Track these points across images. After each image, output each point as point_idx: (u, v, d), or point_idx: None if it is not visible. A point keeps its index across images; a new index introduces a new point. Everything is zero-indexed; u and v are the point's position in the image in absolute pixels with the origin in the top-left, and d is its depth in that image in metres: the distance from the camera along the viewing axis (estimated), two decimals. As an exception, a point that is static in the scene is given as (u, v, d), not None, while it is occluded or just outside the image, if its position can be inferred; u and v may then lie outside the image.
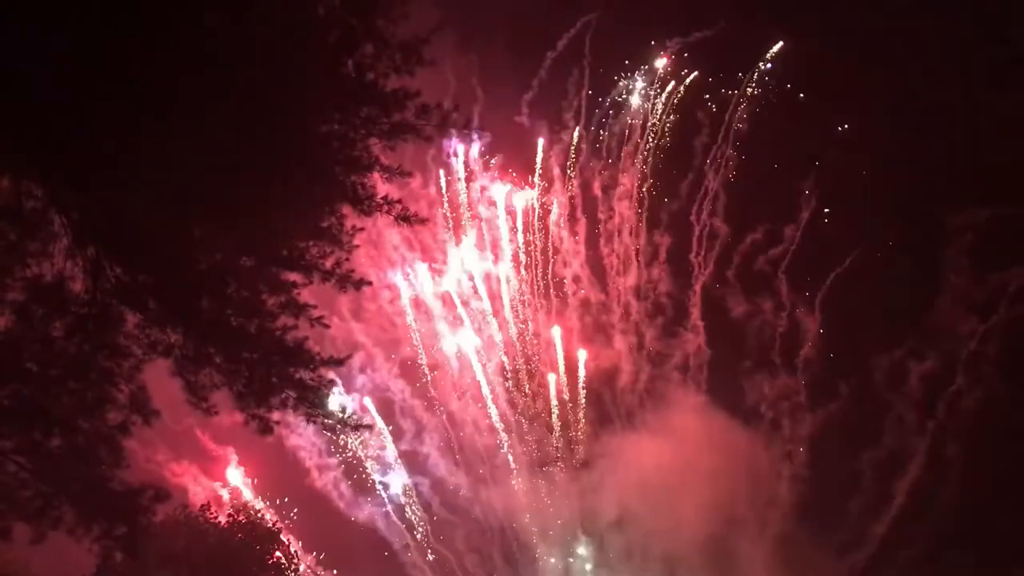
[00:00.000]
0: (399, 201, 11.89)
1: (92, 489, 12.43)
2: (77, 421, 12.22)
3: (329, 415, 12.24)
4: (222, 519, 30.29)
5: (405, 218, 12.08)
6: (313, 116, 11.58)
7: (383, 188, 12.09)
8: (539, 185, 47.81)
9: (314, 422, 12.31)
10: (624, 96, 47.75)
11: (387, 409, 47.62)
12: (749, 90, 46.16)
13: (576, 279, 49.10)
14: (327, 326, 12.52)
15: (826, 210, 46.77)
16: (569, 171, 47.74)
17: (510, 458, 48.41)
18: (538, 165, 47.42)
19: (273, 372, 12.16)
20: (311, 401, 12.23)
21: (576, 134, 47.40)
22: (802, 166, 46.35)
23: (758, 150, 46.94)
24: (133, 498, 12.65)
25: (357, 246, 12.29)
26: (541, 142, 47.17)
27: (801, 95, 45.36)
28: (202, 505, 30.75)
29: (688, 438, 47.94)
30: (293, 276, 12.26)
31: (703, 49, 45.13)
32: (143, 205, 11.22)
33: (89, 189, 11.22)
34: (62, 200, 11.38)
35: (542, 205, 48.30)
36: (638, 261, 48.84)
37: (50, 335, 11.85)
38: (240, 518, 30.74)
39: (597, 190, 48.42)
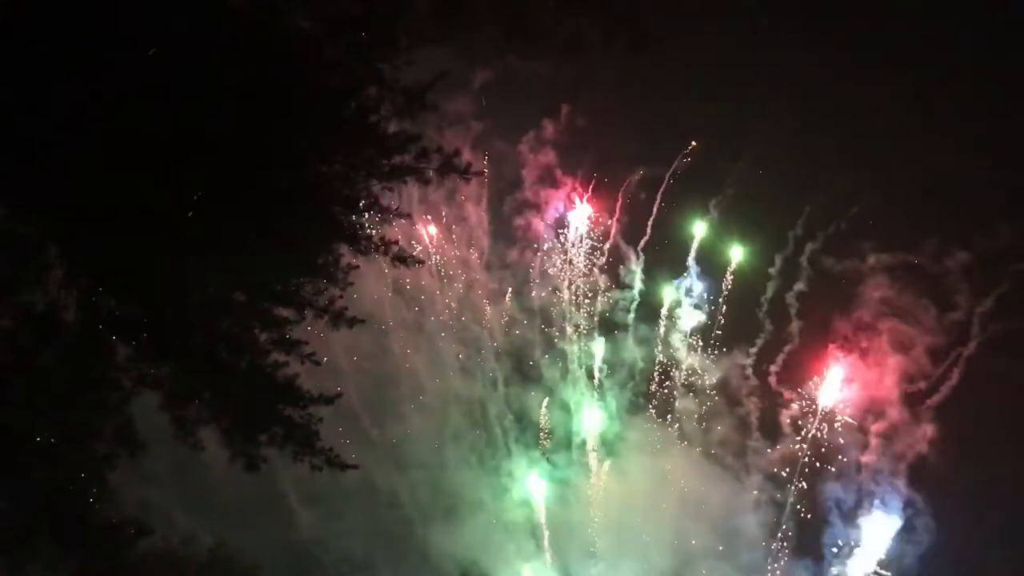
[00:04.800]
0: (396, 242, 12.04)
1: (73, 522, 12.25)
2: (61, 452, 12.05)
3: (318, 454, 12.18)
4: (203, 551, 29.61)
5: (402, 259, 12.20)
6: (313, 156, 11.68)
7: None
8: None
9: (301, 460, 12.24)
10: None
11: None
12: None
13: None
14: (318, 363, 12.51)
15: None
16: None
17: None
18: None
19: (262, 409, 12.12)
20: (299, 439, 12.19)
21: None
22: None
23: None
24: (114, 532, 12.49)
25: (351, 283, 12.35)
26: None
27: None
28: (182, 537, 30.03)
29: (649, 473, 48.35)
30: (286, 312, 12.28)
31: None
32: (138, 238, 11.20)
33: (84, 221, 11.18)
34: (57, 230, 11.34)
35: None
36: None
37: (38, 365, 11.71)
38: (220, 551, 30.08)
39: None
